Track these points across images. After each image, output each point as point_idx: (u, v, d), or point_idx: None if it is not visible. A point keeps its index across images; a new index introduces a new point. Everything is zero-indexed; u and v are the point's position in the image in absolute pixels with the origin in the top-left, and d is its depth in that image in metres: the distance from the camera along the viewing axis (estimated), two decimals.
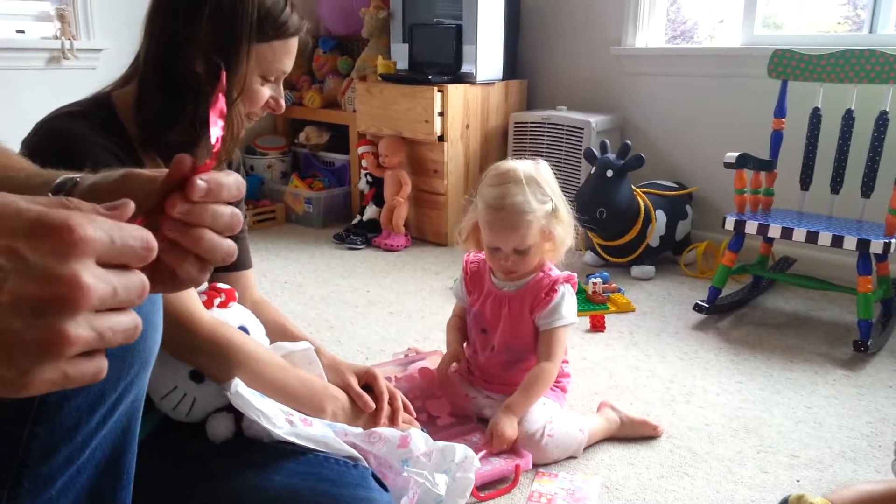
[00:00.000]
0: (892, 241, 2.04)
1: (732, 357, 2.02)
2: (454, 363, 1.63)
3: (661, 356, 2.01)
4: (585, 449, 1.50)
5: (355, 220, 3.29)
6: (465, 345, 1.68)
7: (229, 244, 0.52)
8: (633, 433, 1.56)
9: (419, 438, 1.16)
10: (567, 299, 1.52)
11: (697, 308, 2.30)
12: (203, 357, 1.09)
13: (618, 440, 1.55)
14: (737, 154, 2.29)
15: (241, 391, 1.07)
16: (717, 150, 2.47)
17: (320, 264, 2.81)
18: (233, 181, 0.52)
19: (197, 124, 1.08)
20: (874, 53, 2.29)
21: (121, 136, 1.08)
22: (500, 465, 1.39)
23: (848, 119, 2.37)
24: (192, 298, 1.09)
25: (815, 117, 2.43)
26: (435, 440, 1.21)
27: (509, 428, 1.42)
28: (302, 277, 2.61)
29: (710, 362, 1.99)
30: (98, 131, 1.04)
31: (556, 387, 1.59)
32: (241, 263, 1.34)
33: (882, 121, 2.30)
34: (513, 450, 1.43)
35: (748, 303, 2.47)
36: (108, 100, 1.11)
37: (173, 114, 1.07)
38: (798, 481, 1.43)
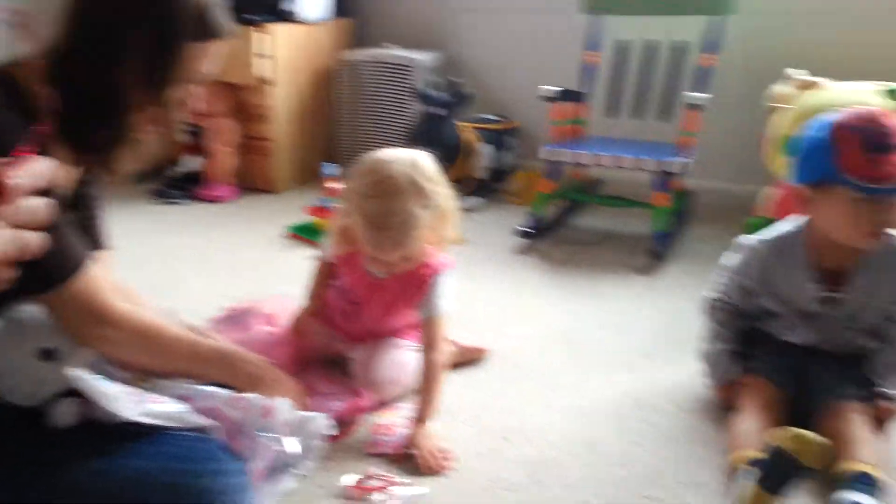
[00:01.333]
0: (685, 159, 2.30)
1: (552, 275, 2.21)
2: (313, 322, 1.59)
3: (490, 281, 2.16)
4: None
5: (171, 173, 3.07)
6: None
7: (36, 238, 0.52)
8: (465, 359, 1.68)
9: (284, 409, 1.18)
10: (444, 287, 1.49)
11: (521, 233, 2.47)
12: (124, 348, 1.09)
13: (452, 367, 1.66)
14: (553, 88, 2.44)
15: (83, 374, 1.04)
16: (536, 83, 2.60)
17: (141, 223, 2.67)
18: (42, 169, 0.51)
19: (121, 126, 1.03)
20: None
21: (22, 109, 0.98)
22: (341, 406, 1.43)
23: (649, 48, 2.59)
24: (102, 290, 1.06)
25: (620, 48, 2.62)
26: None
27: (430, 443, 1.34)
28: (125, 240, 2.47)
29: (535, 282, 2.16)
30: None
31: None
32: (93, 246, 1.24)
33: (678, 49, 2.53)
34: (353, 391, 1.49)
35: (564, 224, 2.69)
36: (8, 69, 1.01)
37: (95, 115, 1.01)
38: (614, 381, 1.62)
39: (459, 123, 2.81)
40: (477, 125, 2.91)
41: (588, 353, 1.75)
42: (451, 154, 2.73)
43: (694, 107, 2.31)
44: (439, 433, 1.37)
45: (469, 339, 1.70)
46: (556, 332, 1.85)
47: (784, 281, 1.43)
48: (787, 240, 1.43)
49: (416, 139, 2.68)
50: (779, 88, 2.28)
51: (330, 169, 2.52)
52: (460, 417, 1.48)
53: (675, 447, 1.39)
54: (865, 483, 1.15)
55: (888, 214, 1.27)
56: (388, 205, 1.34)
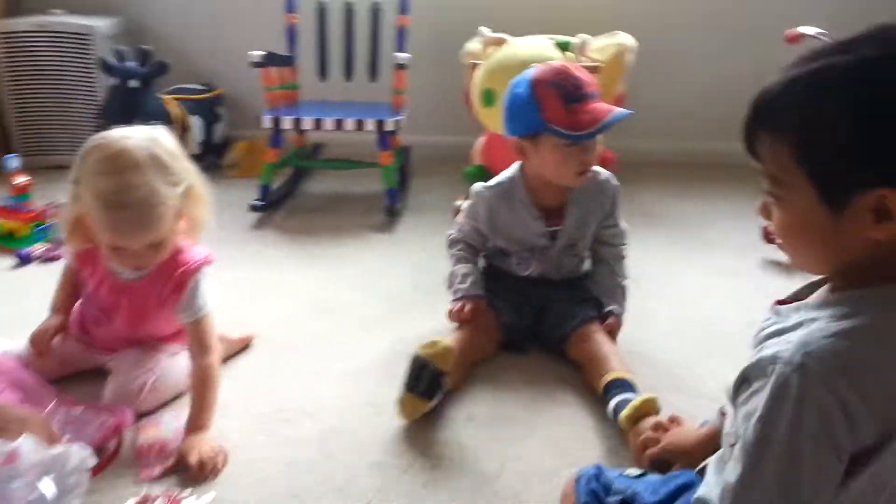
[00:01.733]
0: (400, 117, 2.39)
1: (293, 246, 2.18)
2: (57, 336, 1.39)
3: (231, 262, 2.05)
4: None
5: None
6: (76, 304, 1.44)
7: None
8: (234, 350, 1.59)
9: (29, 449, 1.01)
10: (203, 285, 1.36)
11: (253, 208, 2.38)
12: None
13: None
14: (261, 53, 2.35)
15: None
16: (242, 49, 2.48)
17: None
18: None
19: None
20: None
21: None
22: (96, 432, 1.26)
23: (348, 11, 2.61)
24: None
25: (321, 10, 2.61)
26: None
27: (200, 448, 1.23)
28: None
29: (277, 256, 2.11)
30: None
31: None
32: None
33: (375, 10, 2.60)
34: (108, 408, 1.33)
35: (294, 193, 2.65)
36: None
37: None
38: (366, 335, 1.67)
39: (162, 96, 2.58)
40: (180, 97, 2.70)
41: (347, 317, 1.77)
42: None
43: (401, 66, 2.41)
44: (211, 435, 1.28)
45: (235, 331, 1.62)
46: (310, 302, 1.84)
47: (512, 222, 1.59)
48: (510, 185, 1.58)
49: (110, 116, 2.40)
50: (471, 45, 2.48)
51: (12, 162, 2.16)
52: (234, 410, 1.41)
53: None
54: (624, 386, 1.36)
55: (591, 154, 1.48)
56: (125, 180, 1.20)
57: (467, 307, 1.55)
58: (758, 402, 0.73)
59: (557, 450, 1.30)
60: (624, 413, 1.27)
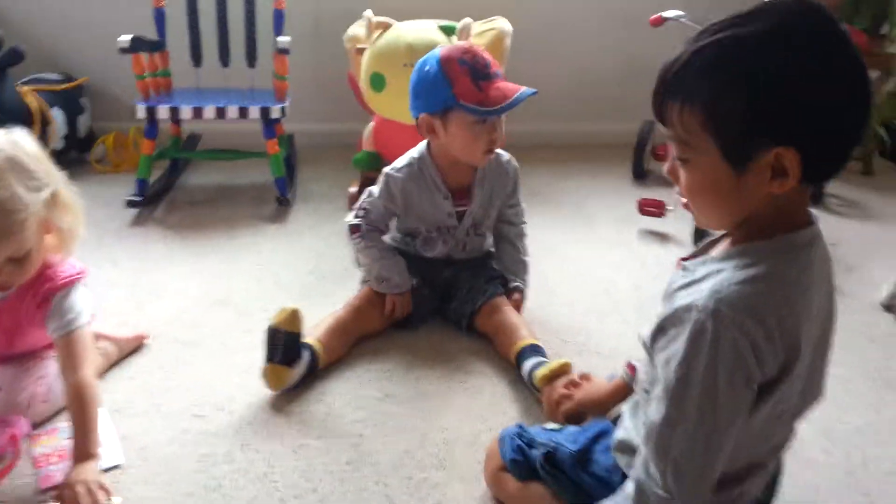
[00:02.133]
0: (285, 104, 2.34)
1: (181, 242, 2.08)
2: None
3: (115, 264, 1.94)
4: None
5: None
6: None
7: None
8: (127, 350, 1.52)
9: None
10: (74, 297, 1.25)
11: (131, 204, 2.25)
12: None
13: (114, 364, 1.48)
14: (129, 37, 2.21)
15: None
16: (105, 35, 2.33)
17: None
18: None
19: None
20: None
21: None
22: None
23: None
24: None
25: None
26: None
27: (93, 476, 1.12)
28: None
29: (163, 252, 2.01)
30: None
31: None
32: None
33: None
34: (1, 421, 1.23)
35: (174, 186, 2.53)
36: None
37: None
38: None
39: (19, 88, 2.38)
40: (38, 87, 2.49)
41: (247, 309, 1.72)
42: (15, 122, 2.30)
43: (283, 51, 2.35)
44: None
45: (124, 330, 1.54)
46: (206, 297, 1.78)
47: (424, 202, 1.60)
48: (420, 165, 1.59)
49: None
50: (353, 30, 2.46)
51: None
52: (139, 408, 1.35)
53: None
54: (535, 350, 1.43)
55: (498, 133, 1.52)
56: None
57: (405, 304, 1.61)
58: (676, 347, 0.79)
59: (475, 416, 1.34)
60: (539, 373, 1.33)
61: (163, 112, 2.24)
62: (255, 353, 1.46)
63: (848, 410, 1.38)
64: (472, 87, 1.45)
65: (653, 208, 2.20)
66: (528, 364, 1.39)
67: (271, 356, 1.36)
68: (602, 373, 1.30)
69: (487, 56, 1.50)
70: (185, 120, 2.36)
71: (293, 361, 1.38)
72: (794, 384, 0.81)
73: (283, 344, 1.36)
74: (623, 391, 1.18)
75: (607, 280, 1.91)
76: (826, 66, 0.72)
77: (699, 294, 0.78)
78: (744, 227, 0.82)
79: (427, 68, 1.48)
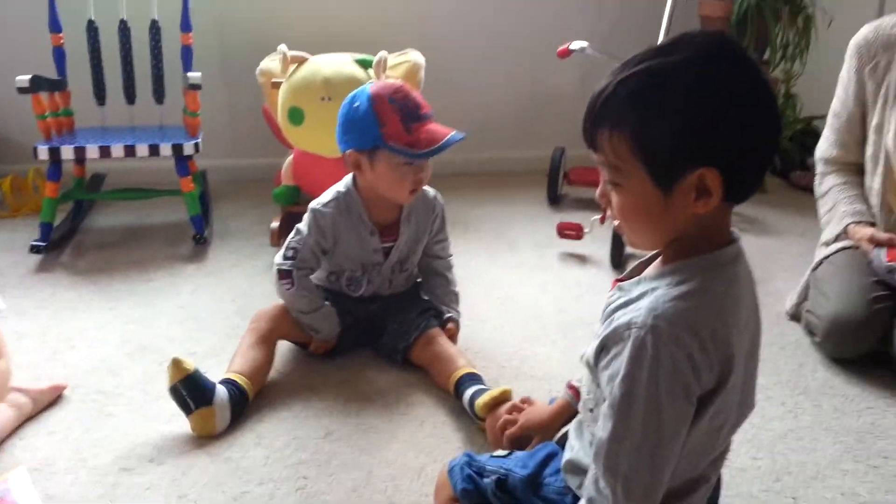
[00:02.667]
0: (198, 140, 2.28)
1: (92, 287, 1.98)
2: None
3: (23, 315, 1.82)
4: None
5: None
6: None
7: None
8: (44, 403, 1.43)
9: None
10: None
11: (35, 249, 2.13)
12: None
13: (31, 418, 1.40)
14: (28, 77, 2.11)
15: None
16: (3, 75, 2.21)
17: None
18: None
19: None
20: None
21: None
22: None
23: (124, 29, 2.44)
24: None
25: (92, 29, 2.41)
26: None
27: None
28: None
29: (74, 299, 1.91)
30: None
31: None
32: None
33: (155, 28, 2.45)
34: None
35: (79, 229, 2.41)
36: None
37: None
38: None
39: None
40: None
41: (171, 354, 1.63)
42: None
43: (193, 86, 2.30)
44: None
45: (38, 383, 1.45)
46: (129, 344, 1.70)
47: (350, 237, 1.59)
48: (346, 199, 1.58)
49: None
50: (266, 64, 2.44)
51: None
52: (63, 466, 1.27)
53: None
54: (473, 379, 1.44)
55: (425, 174, 1.54)
56: None
57: (332, 345, 1.63)
58: (619, 364, 0.82)
59: (420, 448, 1.34)
60: (481, 401, 1.34)
61: (67, 153, 2.14)
62: (161, 400, 1.41)
63: (770, 419, 1.46)
64: (401, 128, 1.45)
65: (571, 231, 2.28)
66: (468, 393, 1.40)
67: (186, 409, 1.35)
68: (540, 395, 1.33)
69: (418, 97, 1.51)
70: (91, 160, 2.26)
71: (208, 398, 1.35)
72: (731, 395, 0.86)
73: (188, 391, 1.35)
74: (566, 412, 1.21)
75: (533, 304, 1.96)
76: (742, 91, 0.79)
77: (637, 312, 0.82)
78: (674, 247, 0.87)
79: (357, 104, 1.48)
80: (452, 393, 1.46)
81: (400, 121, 1.45)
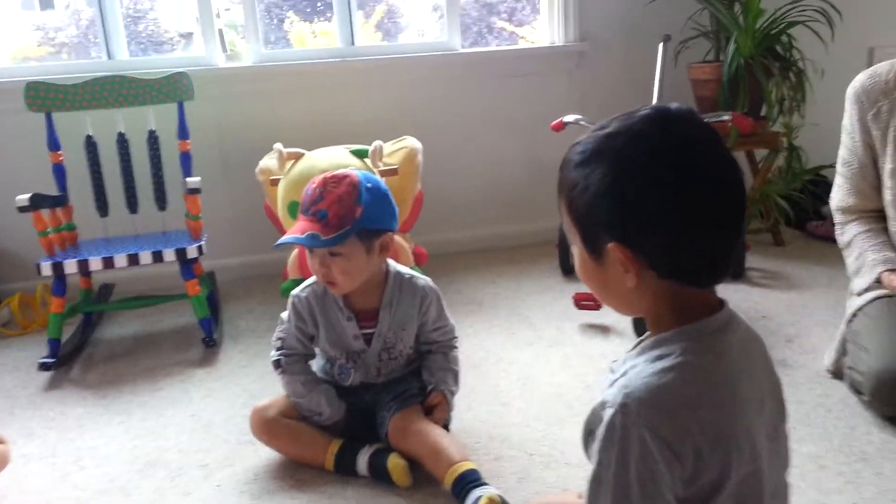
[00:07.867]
0: (201, 242, 2.27)
1: (101, 402, 1.92)
2: None
3: (25, 433, 1.75)
4: None
5: None
6: None
7: None
8: None
9: None
10: None
11: (44, 366, 2.08)
12: None
13: None
14: (28, 196, 2.12)
15: None
16: (5, 194, 2.23)
17: None
18: None
19: None
20: (125, 79, 2.43)
21: None
22: None
23: (122, 142, 2.47)
24: None
25: (91, 144, 2.44)
26: None
27: None
28: None
29: (84, 415, 1.84)
30: None
31: None
32: None
33: (153, 139, 2.48)
34: None
35: (88, 342, 2.37)
36: None
37: None
38: (216, 485, 1.50)
39: None
40: None
41: (184, 467, 1.57)
42: None
43: (193, 191, 2.30)
44: None
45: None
46: (140, 459, 1.62)
47: (328, 322, 1.55)
48: (323, 286, 1.54)
49: None
50: (265, 162, 2.46)
51: None
52: None
53: None
54: (474, 478, 1.35)
55: (325, 266, 1.46)
56: None
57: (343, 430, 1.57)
58: (595, 446, 0.76)
59: None
60: None
61: (70, 267, 2.12)
62: None
63: (829, 492, 1.34)
64: (299, 217, 1.48)
65: (589, 301, 2.22)
66: (474, 495, 1.31)
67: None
68: (575, 485, 1.24)
69: (322, 193, 1.44)
70: (95, 272, 2.24)
71: None
72: (750, 482, 0.77)
73: None
74: None
75: (557, 382, 1.87)
76: (662, 174, 0.73)
77: (612, 390, 0.77)
78: (652, 320, 0.82)
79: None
80: (451, 492, 1.37)
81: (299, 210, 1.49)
